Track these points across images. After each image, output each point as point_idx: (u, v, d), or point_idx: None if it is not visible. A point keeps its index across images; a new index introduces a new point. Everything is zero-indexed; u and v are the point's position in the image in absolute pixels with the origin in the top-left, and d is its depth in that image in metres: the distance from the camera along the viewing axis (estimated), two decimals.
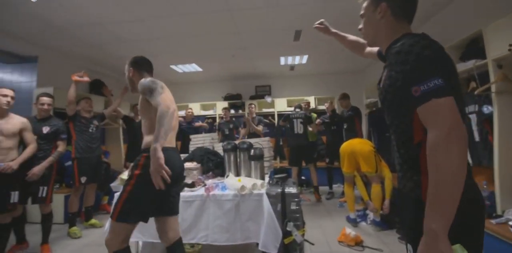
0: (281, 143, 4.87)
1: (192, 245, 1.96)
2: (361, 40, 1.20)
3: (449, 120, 0.62)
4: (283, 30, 3.36)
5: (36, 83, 3.44)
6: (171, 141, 1.42)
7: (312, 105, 5.08)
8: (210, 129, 4.70)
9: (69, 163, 2.95)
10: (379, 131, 3.87)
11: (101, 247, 1.69)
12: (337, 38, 1.33)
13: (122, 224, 1.28)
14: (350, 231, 2.30)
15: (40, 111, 2.37)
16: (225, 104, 5.56)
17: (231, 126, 4.36)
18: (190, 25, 3.13)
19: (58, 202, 3.00)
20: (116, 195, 1.93)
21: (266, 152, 2.39)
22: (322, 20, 1.34)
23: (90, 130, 2.85)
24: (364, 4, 0.89)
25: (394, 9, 0.82)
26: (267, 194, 1.76)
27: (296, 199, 1.74)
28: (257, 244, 1.70)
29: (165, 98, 1.32)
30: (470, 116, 2.05)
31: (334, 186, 4.12)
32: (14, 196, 1.98)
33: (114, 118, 3.93)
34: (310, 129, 3.90)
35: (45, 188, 2.26)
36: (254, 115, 4.33)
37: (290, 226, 1.68)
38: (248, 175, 2.12)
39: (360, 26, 0.93)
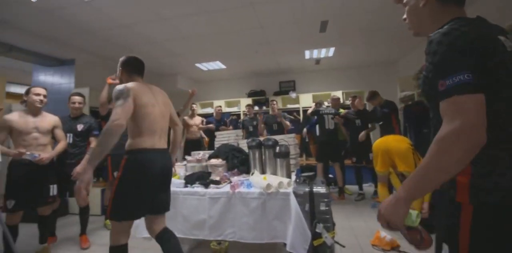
0: (307, 139, 4.71)
1: (219, 242, 1.96)
2: None
3: (464, 122, 0.59)
4: (308, 22, 3.21)
5: (74, 84, 3.70)
6: (151, 142, 1.41)
7: (341, 100, 4.85)
8: (235, 126, 4.71)
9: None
10: (416, 127, 3.55)
11: (134, 239, 1.77)
12: None
13: (114, 222, 1.36)
14: (385, 234, 2.14)
15: (72, 110, 2.49)
16: (249, 100, 5.54)
17: (254, 123, 4.32)
18: (214, 22, 3.12)
19: (95, 195, 3.22)
20: None
21: (292, 149, 2.30)
22: None
23: None
24: None
25: None
26: (294, 193, 1.68)
27: (326, 200, 1.64)
28: (284, 244, 1.65)
29: (120, 112, 1.27)
30: None
31: (365, 185, 3.86)
32: (53, 189, 2.13)
33: None
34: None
35: None
36: (276, 111, 4.25)
37: (319, 228, 1.59)
38: (274, 173, 2.06)
39: (404, 16, 0.85)
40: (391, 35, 3.77)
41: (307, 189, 1.70)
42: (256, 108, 5.43)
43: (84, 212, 2.45)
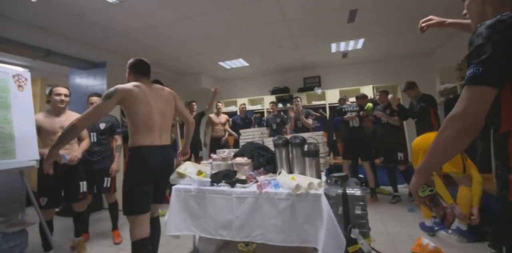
0: (334, 137, 4.50)
1: (247, 244, 1.90)
2: None
3: (462, 109, 0.68)
4: (335, 12, 3.02)
5: (106, 85, 3.87)
6: (150, 139, 1.50)
7: (371, 95, 4.56)
8: (259, 124, 4.65)
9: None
10: None
11: (164, 236, 1.79)
12: (460, 28, 1.11)
13: (130, 217, 1.45)
14: (427, 241, 1.93)
15: None
16: (273, 98, 5.44)
17: (278, 120, 4.23)
18: (236, 18, 3.06)
19: None
20: (174, 188, 2.00)
21: (320, 147, 2.17)
22: (430, 16, 1.16)
23: None
24: None
25: None
26: (326, 195, 1.57)
27: (361, 203, 1.50)
28: (314, 248, 1.54)
29: (85, 113, 1.41)
30: None
31: (400, 186, 3.55)
32: (83, 186, 2.20)
33: None
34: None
35: (109, 179, 2.49)
36: (301, 108, 4.11)
37: (355, 233, 1.46)
38: (302, 172, 1.95)
39: (465, 11, 0.86)
40: None
41: (340, 191, 1.58)
42: (280, 105, 5.32)
43: (113, 208, 2.54)
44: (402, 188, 3.62)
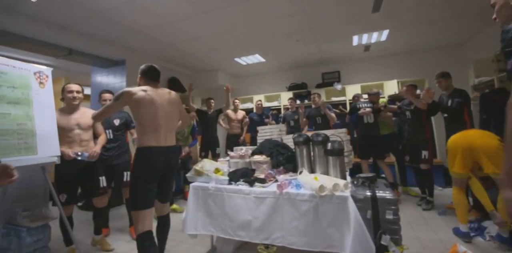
0: (355, 135, 4.30)
1: (267, 246, 1.82)
2: None
3: None
4: (358, 1, 2.83)
5: (126, 83, 3.92)
6: (155, 140, 1.59)
7: (395, 91, 4.31)
8: (276, 121, 4.55)
9: None
10: (497, 119, 2.88)
11: (182, 235, 1.77)
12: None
13: (134, 212, 1.53)
14: (464, 248, 1.76)
15: None
16: (290, 94, 5.30)
17: (296, 117, 4.11)
18: (253, 11, 2.95)
19: None
20: (191, 185, 1.96)
21: (344, 145, 2.04)
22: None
23: None
24: None
25: None
26: (353, 197, 1.45)
27: (393, 207, 1.37)
28: None
29: (101, 109, 1.65)
30: None
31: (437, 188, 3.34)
32: (103, 181, 2.21)
33: (188, 112, 4.20)
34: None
35: (128, 173, 2.49)
36: (319, 103, 3.95)
37: (385, 240, 1.33)
38: (325, 172, 1.84)
39: (494, 16, 0.89)
40: (458, 13, 3.14)
41: (368, 193, 1.45)
42: (298, 102, 5.17)
43: (129, 204, 2.54)
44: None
